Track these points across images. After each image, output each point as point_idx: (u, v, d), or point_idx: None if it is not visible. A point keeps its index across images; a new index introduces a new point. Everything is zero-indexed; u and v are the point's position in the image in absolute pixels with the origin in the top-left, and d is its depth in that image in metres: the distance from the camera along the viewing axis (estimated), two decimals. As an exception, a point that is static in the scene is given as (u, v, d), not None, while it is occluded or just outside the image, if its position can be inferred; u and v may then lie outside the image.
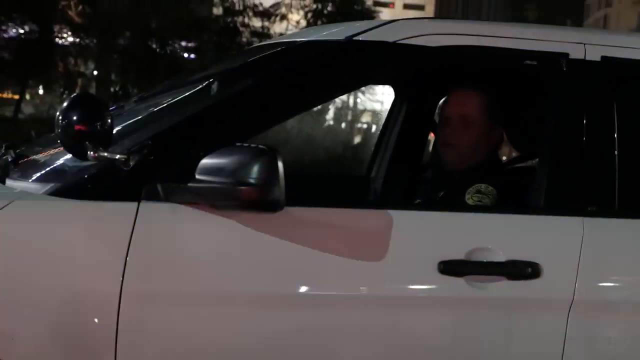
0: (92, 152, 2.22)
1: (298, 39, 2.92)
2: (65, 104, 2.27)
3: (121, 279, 2.20)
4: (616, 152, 2.60)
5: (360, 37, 2.63)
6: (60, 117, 2.25)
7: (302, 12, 17.22)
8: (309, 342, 2.36)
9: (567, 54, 2.65)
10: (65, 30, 15.38)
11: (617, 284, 2.56)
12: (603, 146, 2.61)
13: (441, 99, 3.30)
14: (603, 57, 2.67)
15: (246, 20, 16.83)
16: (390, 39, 2.60)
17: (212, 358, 2.31)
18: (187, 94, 2.71)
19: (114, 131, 2.31)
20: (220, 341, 2.31)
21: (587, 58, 2.66)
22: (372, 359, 2.40)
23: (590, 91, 2.64)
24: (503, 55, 2.67)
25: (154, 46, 15.65)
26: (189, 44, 16.48)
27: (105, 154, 2.23)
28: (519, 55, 2.66)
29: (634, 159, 2.64)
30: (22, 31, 14.73)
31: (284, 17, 17.09)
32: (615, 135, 2.61)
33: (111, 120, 2.26)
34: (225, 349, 2.31)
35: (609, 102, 2.65)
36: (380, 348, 2.39)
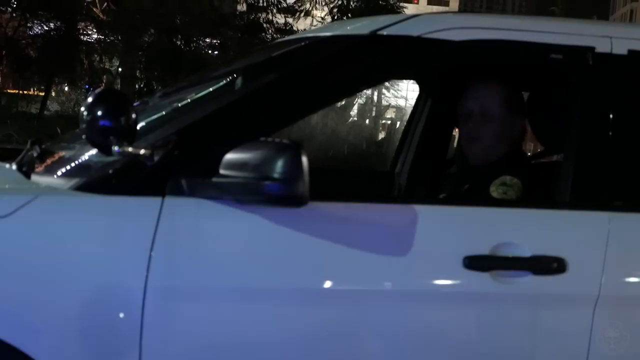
0: (116, 147, 2.23)
1: (322, 34, 2.92)
2: (89, 100, 2.27)
3: (146, 273, 2.21)
4: None
5: (384, 32, 2.63)
6: (85, 113, 2.26)
7: (326, 8, 17.16)
8: (333, 337, 2.36)
9: (593, 48, 2.63)
10: (90, 27, 15.45)
11: None
12: (629, 141, 2.59)
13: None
14: (630, 51, 2.65)
15: (270, 16, 16.81)
16: (415, 33, 2.59)
17: (237, 354, 2.31)
18: (210, 89, 2.72)
19: (139, 126, 2.32)
20: (245, 337, 2.31)
21: (614, 52, 2.64)
22: (397, 354, 2.39)
23: (616, 85, 2.62)
24: (528, 49, 2.65)
25: (178, 43, 15.68)
26: (213, 41, 16.50)
27: (130, 149, 2.24)
28: (544, 49, 2.64)
29: None
30: (47, 28, 14.80)
31: (307, 13, 17.05)
32: None
33: (135, 116, 2.27)
34: (250, 345, 2.31)
35: (635, 96, 2.63)
36: (406, 343, 2.39)
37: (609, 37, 2.66)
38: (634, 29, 2.85)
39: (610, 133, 2.57)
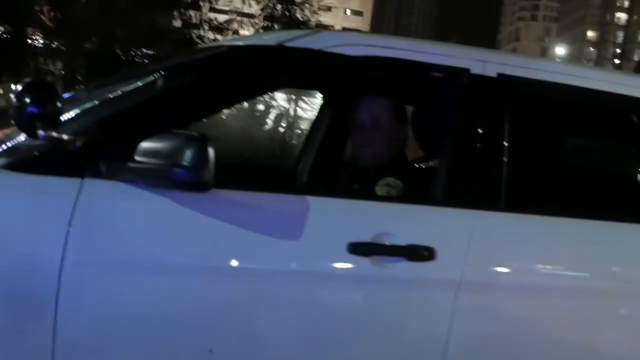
0: (42, 132, 2.18)
1: (238, 43, 2.92)
2: (20, 88, 2.23)
3: (63, 245, 2.17)
4: (504, 158, 2.62)
5: (290, 44, 2.63)
6: (15, 99, 2.21)
7: (252, 29, 17.10)
8: (233, 310, 2.35)
9: (468, 69, 2.68)
10: (37, 33, 15.06)
11: (500, 269, 2.58)
12: (495, 151, 2.63)
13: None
14: (499, 74, 2.70)
15: (202, 32, 16.66)
16: (316, 47, 2.59)
17: (145, 321, 2.29)
18: (132, 86, 2.68)
19: (66, 116, 2.29)
20: (152, 308, 2.29)
21: (486, 74, 2.69)
22: (287, 326, 2.41)
23: (486, 103, 2.67)
24: (413, 66, 2.68)
25: (118, 51, 15.41)
26: (150, 52, 16.26)
27: (54, 134, 2.20)
28: (427, 68, 2.68)
29: (521, 164, 2.68)
30: (-3, 32, 14.40)
31: (236, 32, 16.98)
32: (505, 143, 2.64)
33: (61, 104, 2.24)
34: (157, 314, 2.30)
35: (501, 113, 2.67)
36: (295, 317, 2.40)
37: (482, 61, 2.71)
38: (504, 55, 2.91)
39: (479, 144, 2.62)
